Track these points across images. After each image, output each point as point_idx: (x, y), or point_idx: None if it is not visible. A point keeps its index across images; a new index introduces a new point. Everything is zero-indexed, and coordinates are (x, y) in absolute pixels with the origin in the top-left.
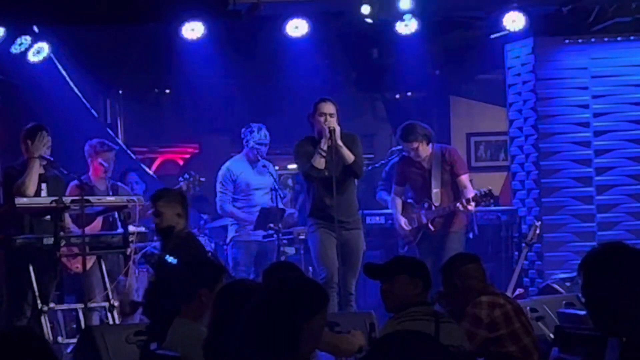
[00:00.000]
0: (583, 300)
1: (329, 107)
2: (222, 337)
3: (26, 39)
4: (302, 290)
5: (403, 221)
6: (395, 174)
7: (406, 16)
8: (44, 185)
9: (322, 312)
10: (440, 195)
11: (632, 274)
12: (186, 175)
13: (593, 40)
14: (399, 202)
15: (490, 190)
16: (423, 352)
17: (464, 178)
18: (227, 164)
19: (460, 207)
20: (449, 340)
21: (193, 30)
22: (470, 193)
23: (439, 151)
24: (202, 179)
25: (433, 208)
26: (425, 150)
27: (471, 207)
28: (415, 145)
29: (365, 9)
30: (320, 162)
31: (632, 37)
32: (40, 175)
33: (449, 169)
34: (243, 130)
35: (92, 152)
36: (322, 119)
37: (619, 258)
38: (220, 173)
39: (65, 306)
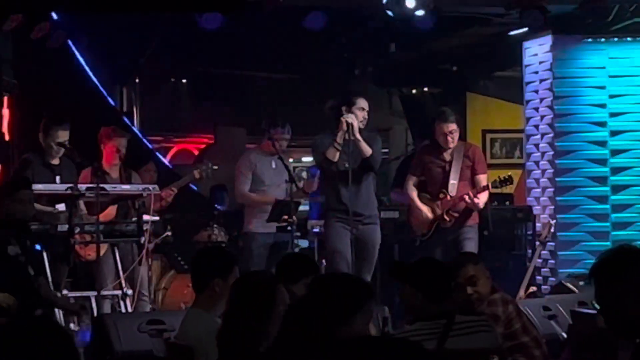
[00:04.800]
0: (597, 306)
1: (366, 103)
2: (237, 329)
3: (45, 26)
4: (339, 291)
5: (426, 209)
6: (412, 164)
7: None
8: (57, 179)
9: (365, 308)
10: (457, 187)
11: None
12: (199, 164)
13: (612, 39)
14: (416, 192)
15: (510, 176)
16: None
17: (483, 177)
18: (247, 153)
19: (467, 198)
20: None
21: (212, 20)
22: (486, 191)
23: (463, 145)
24: (215, 167)
25: (449, 198)
26: (456, 138)
27: (478, 200)
28: (454, 127)
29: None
30: (333, 154)
31: None
32: (54, 166)
33: (470, 165)
34: (265, 121)
35: (105, 138)
36: (361, 113)
37: (630, 262)
38: (240, 161)
39: (77, 293)
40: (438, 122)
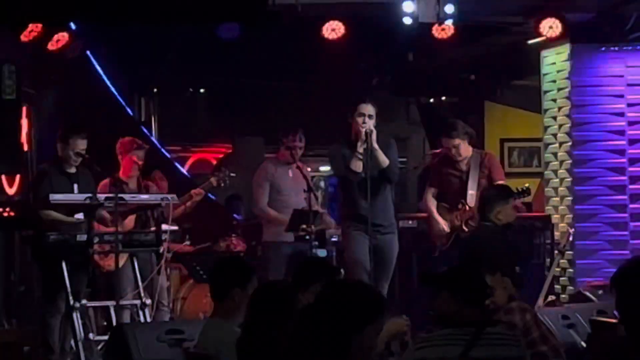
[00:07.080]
0: (618, 316)
1: (368, 108)
2: (256, 338)
3: (63, 36)
4: (355, 299)
5: (443, 223)
6: (431, 175)
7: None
8: (75, 187)
9: (376, 323)
10: (476, 198)
11: None
12: (216, 172)
13: (629, 48)
14: (434, 204)
15: (527, 187)
16: None
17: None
18: (264, 163)
19: None
20: None
21: (230, 30)
22: None
23: (479, 154)
24: (233, 174)
25: (467, 209)
26: (466, 149)
27: None
28: (456, 142)
29: (409, 6)
30: (358, 166)
31: None
32: (71, 175)
33: (486, 173)
34: (280, 130)
35: (124, 150)
36: (360, 119)
37: None
38: (257, 172)
39: (97, 303)
40: (443, 137)
